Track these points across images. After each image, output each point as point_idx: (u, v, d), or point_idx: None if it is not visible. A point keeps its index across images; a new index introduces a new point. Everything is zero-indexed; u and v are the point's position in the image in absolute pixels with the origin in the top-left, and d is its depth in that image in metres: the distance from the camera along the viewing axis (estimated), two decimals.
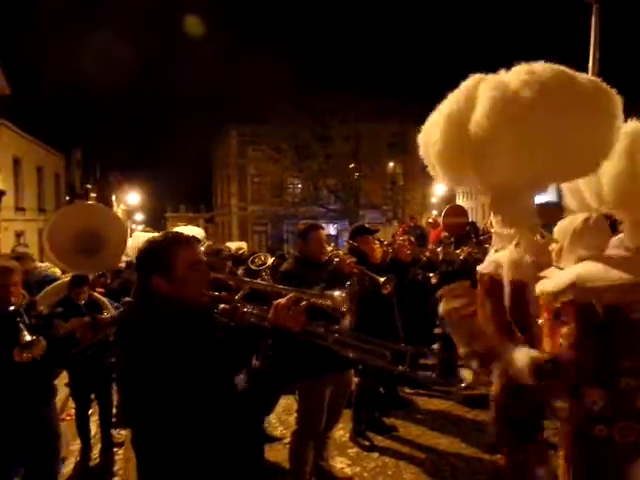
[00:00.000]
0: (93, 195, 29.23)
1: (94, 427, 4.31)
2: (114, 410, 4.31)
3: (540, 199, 2.85)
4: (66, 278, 4.28)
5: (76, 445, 4.11)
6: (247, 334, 1.77)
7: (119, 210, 31.54)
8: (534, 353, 2.07)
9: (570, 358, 1.99)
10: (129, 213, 33.95)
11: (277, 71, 35.35)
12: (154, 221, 35.66)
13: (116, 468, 4.00)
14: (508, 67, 2.38)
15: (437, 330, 6.40)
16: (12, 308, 2.70)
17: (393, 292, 3.94)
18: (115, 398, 4.46)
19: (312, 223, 3.58)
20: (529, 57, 2.33)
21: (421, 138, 2.65)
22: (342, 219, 26.69)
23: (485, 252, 4.24)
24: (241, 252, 8.26)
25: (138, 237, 9.18)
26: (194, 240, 1.71)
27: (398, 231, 9.21)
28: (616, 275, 2.01)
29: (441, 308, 2.38)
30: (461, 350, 2.38)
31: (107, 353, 4.04)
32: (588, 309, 1.98)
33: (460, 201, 25.72)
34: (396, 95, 22.23)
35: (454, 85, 2.52)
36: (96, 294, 4.18)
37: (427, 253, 5.83)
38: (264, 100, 26.40)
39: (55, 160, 25.14)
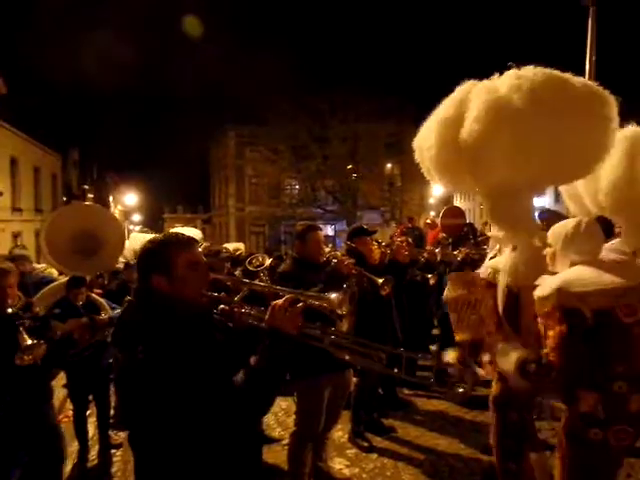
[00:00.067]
0: (90, 196, 29.16)
1: (92, 428, 4.30)
2: (112, 411, 4.30)
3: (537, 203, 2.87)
4: (63, 279, 4.27)
5: (74, 446, 4.08)
6: (245, 335, 1.77)
7: (116, 211, 31.47)
8: (521, 352, 2.10)
9: (553, 360, 2.01)
10: (126, 214, 33.91)
11: (275, 72, 35.40)
12: (151, 222, 35.62)
13: (114, 470, 3.99)
14: (505, 70, 2.40)
15: (435, 331, 6.41)
16: (10, 311, 2.70)
17: (391, 293, 3.94)
18: (113, 399, 4.46)
19: (310, 224, 3.58)
20: (526, 60, 2.35)
21: (416, 143, 2.68)
22: (340, 220, 26.70)
23: (483, 253, 4.25)
24: (239, 253, 8.25)
25: (135, 238, 9.17)
26: (194, 241, 1.73)
27: (396, 232, 9.21)
28: (608, 279, 2.02)
29: (445, 293, 2.41)
30: (457, 337, 2.42)
31: (105, 354, 4.03)
32: (576, 314, 1.99)
33: (458, 202, 25.80)
34: (394, 96, 22.31)
35: (451, 86, 2.54)
36: (94, 295, 4.16)
37: (425, 254, 5.83)
38: (262, 101, 26.49)
39: (52, 160, 25.07)
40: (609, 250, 2.40)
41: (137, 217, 35.98)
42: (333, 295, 1.79)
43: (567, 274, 2.12)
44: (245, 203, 31.58)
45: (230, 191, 31.80)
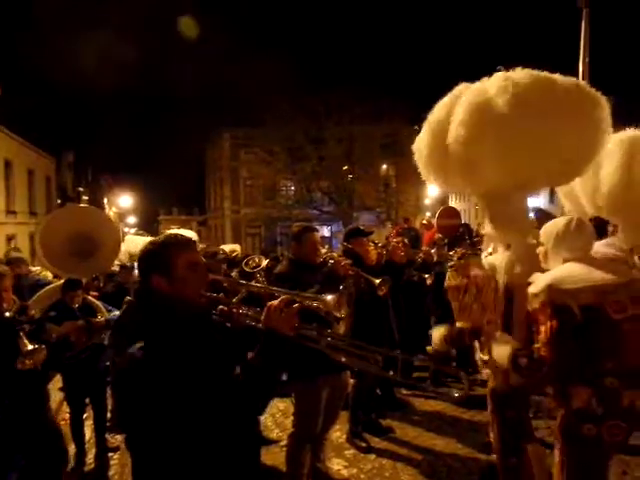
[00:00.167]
0: (85, 198, 29.03)
1: (88, 431, 4.27)
2: (108, 414, 4.28)
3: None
4: (59, 282, 4.25)
5: (70, 450, 4.04)
6: (243, 335, 1.77)
7: (111, 213, 31.33)
8: (515, 344, 2.13)
9: (545, 355, 2.03)
10: (121, 216, 33.75)
11: (271, 74, 35.44)
12: (147, 224, 35.48)
13: (111, 473, 3.97)
14: (496, 72, 2.42)
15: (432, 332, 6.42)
16: (8, 315, 2.70)
17: (388, 294, 3.95)
18: (110, 402, 4.44)
19: (306, 225, 3.59)
20: (520, 61, 2.36)
21: (415, 144, 2.71)
22: (335, 221, 26.71)
23: (478, 253, 4.27)
24: (235, 255, 8.24)
25: (131, 240, 9.14)
26: (194, 242, 1.75)
27: (391, 233, 9.23)
28: (598, 276, 2.05)
29: (446, 282, 2.44)
30: (457, 324, 2.46)
31: (102, 357, 4.02)
32: (565, 310, 2.01)
33: (453, 203, 25.89)
34: (389, 97, 22.36)
35: (446, 87, 2.56)
36: (90, 297, 4.14)
37: (421, 254, 5.85)
38: (258, 103, 26.48)
39: (46, 163, 24.96)
40: (606, 245, 2.42)
41: (132, 219, 35.84)
42: (329, 297, 1.80)
43: (558, 271, 2.15)
44: (240, 205, 31.54)
45: (225, 193, 31.74)
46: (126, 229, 25.54)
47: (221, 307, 1.81)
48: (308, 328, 1.74)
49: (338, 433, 4.26)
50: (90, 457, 4.09)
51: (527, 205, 2.69)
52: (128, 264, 5.92)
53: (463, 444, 4.12)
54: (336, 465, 3.85)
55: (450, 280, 2.58)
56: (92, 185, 34.09)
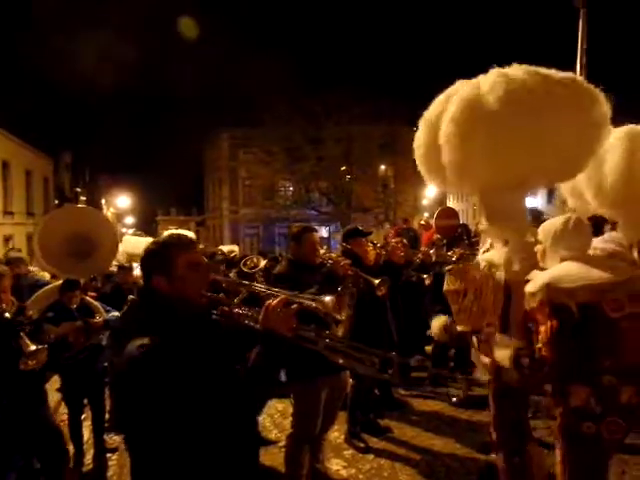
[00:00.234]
0: (83, 198, 29.01)
1: (87, 432, 4.26)
2: (107, 415, 4.27)
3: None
4: (57, 282, 4.24)
5: (69, 450, 4.05)
6: (243, 336, 1.77)
7: (109, 213, 31.30)
8: (517, 344, 2.13)
9: (546, 355, 2.03)
10: (119, 216, 33.73)
11: (269, 74, 35.41)
12: (145, 224, 35.41)
13: (110, 474, 3.96)
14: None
15: (430, 332, 6.43)
16: (8, 316, 2.70)
17: (387, 294, 3.95)
18: (108, 403, 4.43)
19: (305, 226, 3.59)
20: (518, 61, 2.35)
21: (414, 144, 2.70)
22: (334, 222, 26.72)
23: (477, 254, 4.27)
24: (233, 255, 8.24)
25: (128, 241, 9.14)
26: (196, 242, 1.78)
27: (390, 233, 9.24)
28: (596, 274, 2.05)
29: (445, 286, 2.44)
30: (457, 327, 2.45)
31: (100, 357, 4.01)
32: (564, 309, 2.02)
33: (451, 203, 25.94)
34: (387, 98, 22.38)
35: (444, 88, 2.55)
36: (88, 298, 4.13)
37: (420, 255, 5.86)
38: (256, 103, 26.40)
39: (44, 164, 24.92)
40: (604, 241, 2.42)
41: (130, 220, 35.79)
42: (327, 298, 1.80)
43: (555, 270, 2.15)
44: (239, 205, 31.52)
45: (224, 193, 31.72)
46: (124, 229, 25.54)
47: (222, 307, 1.82)
48: (306, 329, 1.74)
49: (336, 433, 4.25)
50: (88, 458, 4.08)
51: (525, 203, 2.68)
52: (126, 264, 5.91)
53: (461, 444, 4.12)
54: (335, 465, 3.85)
55: (449, 284, 2.57)
56: (90, 185, 34.04)
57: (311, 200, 27.54)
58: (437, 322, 2.52)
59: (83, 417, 4.19)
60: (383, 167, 26.87)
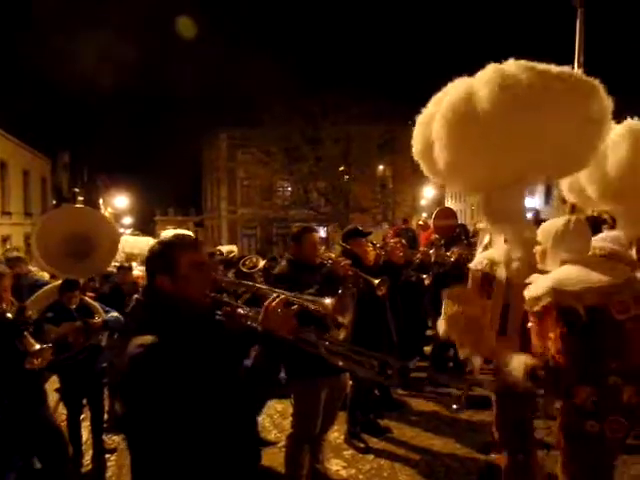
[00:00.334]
0: (80, 198, 28.95)
1: (85, 433, 4.25)
2: (105, 416, 4.25)
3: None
4: (56, 282, 4.23)
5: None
6: (246, 336, 1.77)
7: (106, 213, 31.24)
8: (529, 360, 2.10)
9: (559, 362, 2.02)
10: (117, 217, 33.65)
11: (268, 75, 35.33)
12: (143, 225, 35.35)
13: (109, 474, 3.95)
14: None
15: (429, 332, 6.43)
16: (10, 316, 2.71)
17: (386, 294, 3.95)
18: (107, 403, 4.41)
19: (305, 226, 3.59)
20: (515, 59, 2.34)
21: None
22: (332, 222, 26.71)
23: (475, 254, 4.27)
24: (232, 255, 8.23)
25: (127, 241, 9.12)
26: (200, 243, 1.77)
27: (389, 233, 9.25)
28: (596, 277, 2.04)
29: (445, 311, 2.38)
30: (466, 351, 2.39)
31: (99, 358, 4.00)
32: (571, 312, 2.01)
33: (449, 203, 25.95)
34: (386, 98, 22.37)
35: (442, 87, 2.55)
36: (87, 298, 4.12)
37: (419, 255, 5.87)
38: (255, 103, 26.37)
39: (41, 164, 24.85)
40: (603, 240, 2.41)
41: (128, 220, 35.70)
42: (327, 300, 1.80)
43: (559, 273, 2.14)
44: (237, 205, 31.47)
45: (222, 193, 31.67)
46: (122, 230, 25.50)
47: (225, 308, 1.81)
48: (306, 331, 1.74)
49: (336, 434, 4.25)
50: (87, 458, 4.06)
51: (524, 202, 2.67)
52: (126, 264, 5.90)
53: (461, 444, 4.12)
54: (335, 466, 3.85)
55: (447, 309, 2.52)
56: (88, 185, 33.97)
57: (309, 200, 27.53)
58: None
59: (82, 417, 4.18)
60: (381, 167, 26.89)
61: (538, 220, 5.91)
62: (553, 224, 2.34)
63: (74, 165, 30.63)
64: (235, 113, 27.72)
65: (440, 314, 2.61)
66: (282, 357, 1.63)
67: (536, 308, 2.12)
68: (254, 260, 5.86)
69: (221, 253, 7.45)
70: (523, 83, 2.13)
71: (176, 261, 1.65)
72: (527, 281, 2.27)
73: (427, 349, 6.36)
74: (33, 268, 5.69)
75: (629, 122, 2.62)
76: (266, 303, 1.62)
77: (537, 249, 2.36)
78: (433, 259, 5.87)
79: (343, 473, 3.78)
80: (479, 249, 3.01)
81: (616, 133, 2.50)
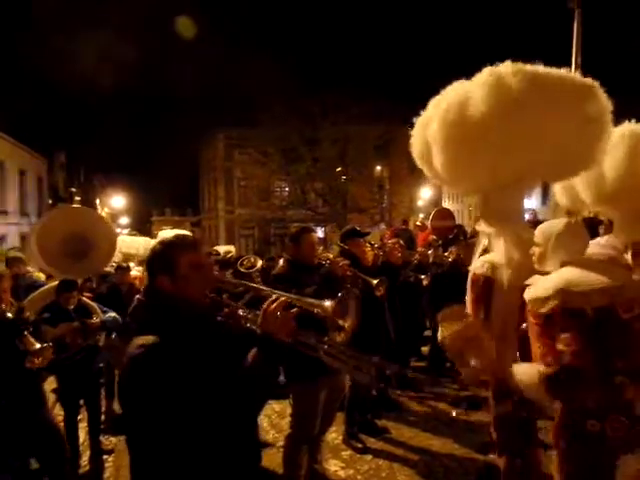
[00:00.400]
0: (77, 198, 28.81)
1: (82, 434, 4.23)
2: (102, 416, 4.24)
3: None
4: (53, 283, 4.21)
5: None
6: (246, 338, 1.77)
7: (103, 213, 31.14)
8: (541, 367, 2.07)
9: (574, 363, 2.00)
10: (114, 217, 33.53)
11: (265, 75, 35.35)
12: (139, 225, 35.25)
13: (106, 475, 3.94)
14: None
15: (427, 333, 6.44)
16: (10, 315, 2.70)
17: (385, 295, 3.96)
18: (104, 404, 4.40)
19: (304, 226, 3.59)
20: (513, 61, 2.35)
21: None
22: (330, 222, 26.71)
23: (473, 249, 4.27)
24: (230, 256, 8.22)
25: (124, 241, 9.11)
26: (200, 243, 1.78)
27: (386, 234, 9.26)
28: (600, 278, 2.05)
29: (442, 334, 2.34)
30: (467, 372, 2.34)
31: (97, 358, 3.99)
32: (578, 313, 2.01)
33: (446, 204, 25.99)
34: (383, 98, 22.40)
35: (439, 88, 2.56)
36: (85, 299, 4.11)
37: (417, 256, 5.88)
38: (252, 103, 26.39)
39: (38, 164, 24.78)
40: (601, 246, 2.42)
41: (124, 220, 35.59)
42: (327, 303, 1.80)
43: (565, 274, 2.13)
44: (234, 206, 31.43)
45: (219, 194, 31.64)
46: (119, 230, 25.41)
47: (227, 309, 1.81)
48: (306, 335, 1.74)
49: (334, 434, 4.25)
50: (84, 459, 4.05)
51: (522, 204, 2.68)
52: (124, 264, 5.88)
53: (460, 444, 4.12)
54: (333, 466, 3.85)
55: (444, 330, 2.49)
56: (84, 185, 33.83)
57: (307, 201, 27.53)
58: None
59: (79, 418, 4.17)
60: (379, 168, 26.90)
61: (536, 221, 5.93)
62: (551, 226, 2.34)
63: (70, 165, 30.52)
64: (233, 113, 27.80)
65: (438, 314, 2.59)
66: (281, 360, 1.63)
67: (543, 310, 2.10)
68: (252, 260, 5.85)
69: (217, 253, 7.44)
70: (519, 85, 2.14)
71: (176, 261, 1.65)
72: (526, 282, 2.27)
73: (425, 349, 6.37)
74: (31, 269, 5.67)
75: (625, 126, 2.63)
76: (265, 305, 1.61)
77: (535, 250, 2.36)
78: (431, 260, 5.88)
79: (341, 473, 3.78)
80: (477, 254, 3.00)
81: (612, 137, 2.50)
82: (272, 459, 3.79)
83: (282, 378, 3.28)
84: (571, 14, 9.20)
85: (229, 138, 30.13)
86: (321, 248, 5.99)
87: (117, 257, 6.93)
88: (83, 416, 4.22)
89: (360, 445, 4.14)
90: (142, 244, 9.54)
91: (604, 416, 2.01)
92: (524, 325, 2.42)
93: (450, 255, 5.88)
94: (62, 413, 4.07)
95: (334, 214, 26.19)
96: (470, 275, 2.82)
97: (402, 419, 4.71)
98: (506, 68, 2.24)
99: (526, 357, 2.33)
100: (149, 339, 1.52)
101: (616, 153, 2.46)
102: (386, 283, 3.76)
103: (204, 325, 1.67)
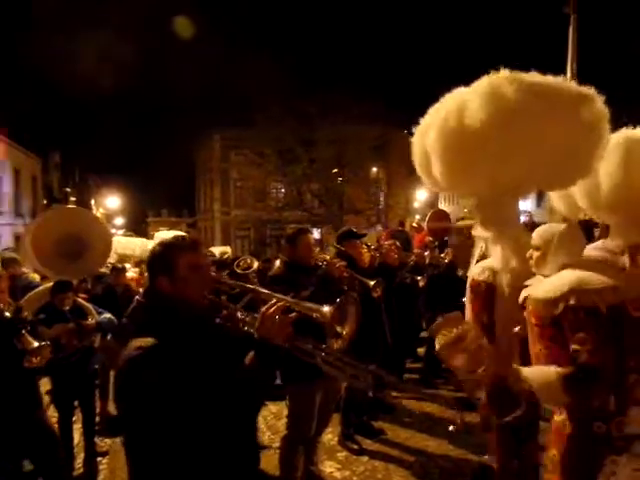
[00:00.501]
0: (72, 199, 28.70)
1: (77, 435, 4.20)
2: (97, 418, 4.22)
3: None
4: (49, 284, 4.19)
5: None
6: (243, 339, 1.77)
7: (98, 214, 31.02)
8: (558, 368, 2.02)
9: (591, 362, 1.98)
10: (109, 217, 33.42)
11: (262, 76, 35.29)
12: (135, 225, 35.14)
13: (101, 478, 3.92)
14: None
15: (423, 334, 6.45)
16: (8, 314, 2.69)
17: (381, 296, 3.96)
18: (98, 405, 4.38)
19: (300, 228, 3.60)
20: (508, 67, 2.37)
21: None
22: (326, 224, 26.73)
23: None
24: (226, 256, 8.21)
25: (119, 241, 9.08)
26: (199, 244, 1.77)
27: (382, 235, 9.28)
28: (605, 277, 2.05)
29: (439, 343, 2.31)
30: (469, 384, 2.31)
31: (92, 359, 3.97)
32: (594, 311, 2.00)
33: (443, 206, 26.05)
34: (380, 100, 22.45)
35: (437, 92, 2.57)
36: (80, 300, 4.09)
37: (413, 257, 5.90)
38: (248, 104, 26.30)
39: (32, 163, 24.65)
40: (597, 249, 2.43)
41: (120, 220, 35.48)
42: (326, 308, 1.79)
43: (571, 274, 2.12)
44: (230, 207, 31.38)
45: (215, 195, 31.56)
46: (114, 230, 25.32)
47: (225, 311, 1.81)
48: (303, 340, 1.74)
49: (330, 436, 4.25)
50: (79, 462, 4.02)
51: (518, 208, 2.68)
52: (119, 265, 5.86)
53: (455, 445, 4.14)
54: (329, 468, 3.85)
55: (441, 337, 2.46)
56: (79, 186, 33.71)
57: (303, 202, 27.53)
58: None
59: (73, 420, 4.14)
60: (375, 169, 26.96)
61: (532, 223, 5.96)
62: (550, 229, 2.34)
63: (65, 165, 30.41)
64: (229, 114, 27.72)
65: (434, 314, 2.59)
66: (277, 364, 1.63)
67: (555, 311, 2.08)
68: (248, 261, 5.84)
69: (212, 255, 7.43)
70: (515, 95, 2.15)
71: (175, 262, 1.65)
72: (526, 283, 2.28)
73: (421, 350, 6.38)
74: (26, 270, 5.64)
75: (621, 133, 2.65)
76: (263, 309, 1.61)
77: (533, 254, 2.36)
78: (427, 261, 5.91)
79: (337, 475, 3.78)
80: (474, 260, 2.99)
81: (609, 144, 2.52)
82: (268, 461, 3.79)
83: (278, 381, 3.28)
84: (567, 20, 9.26)
85: (225, 139, 30.08)
86: (317, 249, 6.01)
87: (112, 258, 6.91)
88: (77, 418, 4.20)
89: (356, 446, 4.14)
90: (138, 245, 9.52)
91: (611, 418, 2.01)
92: (517, 328, 2.42)
93: (446, 256, 5.91)
94: (56, 415, 4.05)
95: (330, 215, 26.20)
96: (469, 281, 2.81)
97: (398, 420, 4.72)
98: (502, 76, 2.25)
99: (524, 361, 2.32)
100: (147, 341, 1.51)
101: (611, 161, 2.48)
102: (383, 284, 3.77)
103: (202, 327, 1.67)
